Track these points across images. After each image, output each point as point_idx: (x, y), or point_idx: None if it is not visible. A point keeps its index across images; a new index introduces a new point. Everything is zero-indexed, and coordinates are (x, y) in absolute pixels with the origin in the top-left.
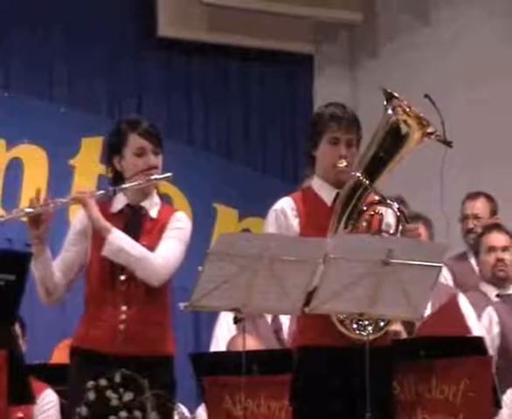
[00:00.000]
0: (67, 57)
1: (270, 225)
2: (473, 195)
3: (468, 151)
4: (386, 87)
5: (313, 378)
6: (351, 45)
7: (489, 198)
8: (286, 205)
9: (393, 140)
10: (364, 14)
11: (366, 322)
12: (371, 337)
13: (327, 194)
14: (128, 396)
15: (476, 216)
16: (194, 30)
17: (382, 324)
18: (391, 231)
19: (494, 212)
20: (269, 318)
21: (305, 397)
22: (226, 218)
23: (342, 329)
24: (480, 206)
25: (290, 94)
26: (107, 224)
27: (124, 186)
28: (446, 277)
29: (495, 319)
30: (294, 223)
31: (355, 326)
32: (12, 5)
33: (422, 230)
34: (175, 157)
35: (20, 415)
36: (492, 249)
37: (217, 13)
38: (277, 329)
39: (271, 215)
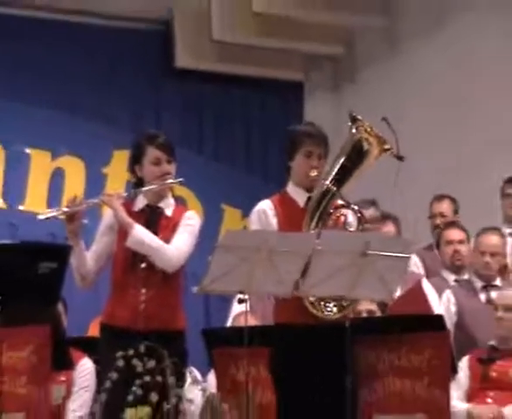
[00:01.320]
0: (100, 83)
1: (254, 223)
2: (439, 197)
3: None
4: (362, 109)
5: (285, 351)
6: (335, 74)
7: (453, 200)
8: (266, 207)
9: (357, 154)
10: (345, 48)
11: (331, 303)
12: (336, 316)
13: (300, 197)
14: (150, 364)
15: (442, 215)
16: (205, 62)
17: (345, 304)
18: (352, 229)
19: (456, 211)
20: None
21: (278, 368)
22: (232, 217)
23: (313, 310)
24: (445, 206)
25: (284, 114)
26: (131, 221)
27: (144, 189)
28: (418, 264)
29: (453, 300)
30: (273, 221)
31: (323, 307)
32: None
33: (391, 227)
34: (189, 165)
35: (63, 378)
36: (450, 242)
37: (224, 48)
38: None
39: (254, 215)
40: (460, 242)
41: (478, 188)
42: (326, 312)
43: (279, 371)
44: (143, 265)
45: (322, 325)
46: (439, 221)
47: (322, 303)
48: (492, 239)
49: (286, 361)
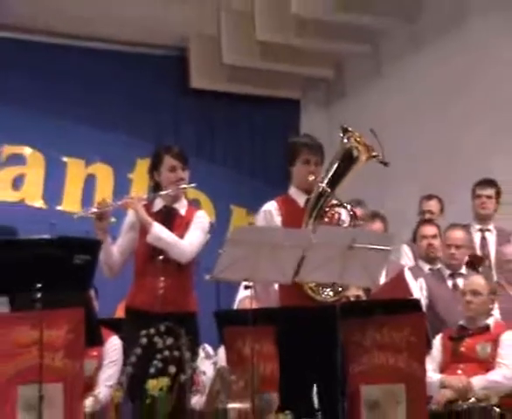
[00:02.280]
0: (127, 101)
1: (260, 221)
2: (428, 197)
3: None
4: (350, 122)
5: (288, 329)
6: (327, 93)
7: (439, 199)
8: (271, 207)
9: (347, 160)
10: (335, 71)
11: (328, 289)
12: (331, 299)
13: (300, 198)
14: (169, 341)
15: (430, 212)
16: (216, 83)
17: (340, 289)
18: (345, 225)
19: (442, 209)
20: (276, 286)
21: (282, 343)
22: (238, 215)
23: (312, 294)
24: (433, 204)
25: (284, 127)
26: (150, 220)
27: (161, 193)
28: (409, 255)
29: (424, 286)
30: (277, 219)
31: (321, 291)
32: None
33: (380, 224)
34: (202, 172)
35: (94, 353)
36: (425, 237)
37: (232, 70)
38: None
39: (260, 214)
40: (434, 236)
41: (454, 189)
42: (323, 296)
43: (282, 345)
44: (161, 257)
45: (318, 307)
46: (427, 217)
47: (320, 288)
48: (457, 234)
49: (288, 338)
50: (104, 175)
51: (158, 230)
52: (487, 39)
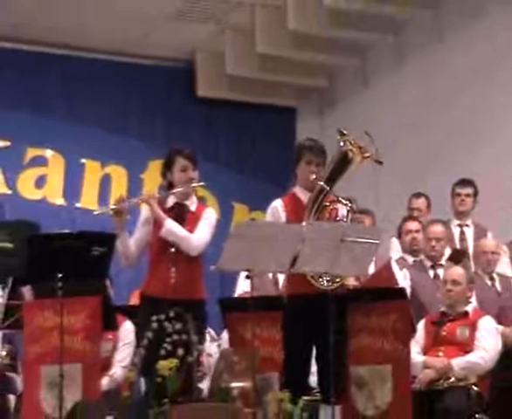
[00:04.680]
0: (140, 109)
1: (269, 217)
2: (417, 195)
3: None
4: (341, 128)
5: (294, 313)
6: (320, 102)
7: (427, 197)
8: (277, 204)
9: (344, 161)
10: (328, 82)
11: (328, 277)
12: (330, 287)
13: (304, 196)
14: (178, 326)
15: (418, 209)
16: (220, 92)
17: (338, 280)
18: (344, 220)
19: (429, 206)
20: (271, 275)
21: (289, 326)
22: (240, 211)
23: (313, 282)
24: (421, 202)
25: (281, 132)
26: (164, 215)
27: (173, 191)
28: (398, 248)
29: (408, 276)
30: (282, 215)
31: (321, 280)
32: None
33: (368, 219)
34: (208, 172)
35: (110, 337)
36: (409, 231)
37: (235, 81)
38: (275, 282)
39: (269, 210)
40: (417, 231)
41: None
42: (321, 284)
43: (284, 330)
44: (172, 250)
45: (315, 295)
46: (415, 214)
47: (320, 278)
48: (436, 228)
49: (292, 321)
50: (118, 175)
51: (171, 226)
52: (466, 63)
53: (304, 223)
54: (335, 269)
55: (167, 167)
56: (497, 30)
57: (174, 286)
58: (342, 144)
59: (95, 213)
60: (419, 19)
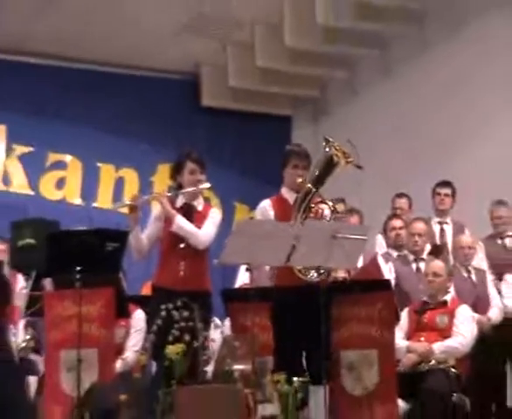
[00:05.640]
0: (149, 117)
1: (258, 215)
2: (399, 195)
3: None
4: (332, 134)
5: (281, 304)
6: (313, 111)
7: (409, 197)
8: (266, 204)
9: (329, 165)
10: (321, 92)
11: (313, 271)
12: (316, 279)
13: (290, 197)
14: (184, 314)
15: (401, 208)
16: (223, 102)
17: (323, 272)
18: (327, 219)
19: (410, 206)
20: (267, 268)
21: (277, 316)
22: (241, 211)
23: (300, 275)
24: (403, 201)
25: (279, 138)
26: (175, 212)
27: (182, 191)
28: (383, 244)
29: (393, 269)
30: (271, 214)
31: (307, 273)
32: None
33: (356, 218)
34: (211, 175)
35: (123, 324)
36: (393, 228)
37: (236, 92)
38: (272, 275)
39: (258, 209)
40: (400, 228)
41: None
42: (309, 277)
43: (276, 318)
44: (182, 246)
45: (305, 286)
46: (399, 212)
47: (306, 270)
48: (418, 225)
49: (281, 312)
50: (131, 177)
51: (181, 222)
52: (447, 75)
53: (292, 222)
54: (328, 263)
55: (177, 169)
56: (476, 42)
57: (183, 279)
58: (327, 150)
59: (113, 207)
60: (404, 35)
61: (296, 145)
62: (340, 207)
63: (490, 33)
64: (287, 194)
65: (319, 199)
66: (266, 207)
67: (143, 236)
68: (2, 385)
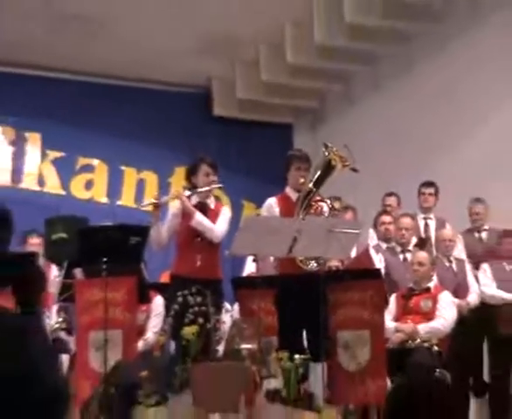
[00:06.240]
0: (167, 126)
1: (264, 212)
2: (389, 194)
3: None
4: (330, 141)
5: (285, 290)
6: (312, 119)
7: (397, 196)
8: (272, 201)
9: (327, 168)
10: (319, 103)
11: (313, 261)
12: (316, 269)
13: (293, 195)
14: (198, 299)
15: (390, 206)
16: (232, 111)
17: (322, 262)
18: (326, 215)
19: (399, 203)
20: (272, 259)
21: (280, 301)
22: (248, 208)
23: (302, 265)
24: (392, 199)
25: (281, 144)
26: (193, 209)
27: (198, 191)
28: (373, 237)
29: (383, 259)
30: (276, 210)
31: (308, 263)
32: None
33: (351, 214)
34: (222, 176)
35: (144, 308)
36: (383, 223)
37: (243, 103)
38: (276, 265)
39: (264, 206)
40: (389, 223)
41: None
42: (309, 266)
43: (280, 303)
44: (198, 239)
45: (306, 275)
46: (388, 209)
47: (307, 261)
48: (406, 220)
49: (284, 297)
50: (151, 179)
51: (200, 218)
52: (430, 89)
53: (295, 217)
54: (326, 253)
55: (192, 171)
56: (456, 62)
57: (199, 268)
58: (326, 154)
59: (141, 206)
60: (392, 53)
61: (298, 150)
62: (336, 204)
63: (468, 54)
64: (291, 193)
65: (318, 198)
66: (272, 204)
67: (163, 229)
68: (38, 364)
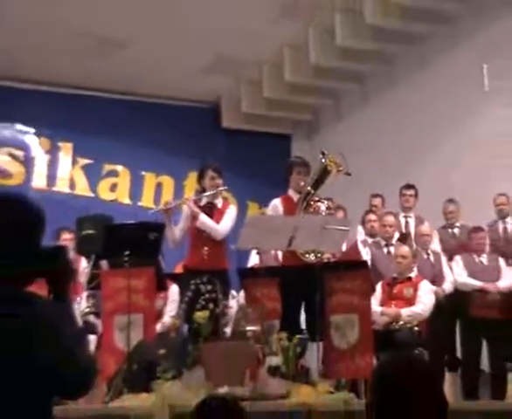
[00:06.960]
0: (180, 137)
1: (269, 211)
2: (375, 195)
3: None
4: (323, 150)
5: (287, 279)
6: (308, 130)
7: (382, 197)
8: (277, 202)
9: (324, 173)
10: (313, 116)
11: (312, 253)
12: (314, 260)
13: (295, 196)
14: (208, 287)
15: (375, 206)
16: (238, 124)
17: (319, 254)
18: (323, 214)
19: (383, 203)
20: (273, 252)
21: (283, 289)
22: (252, 208)
23: (302, 257)
24: (378, 200)
25: (280, 152)
26: (198, 211)
27: (205, 194)
28: (362, 232)
29: (369, 252)
30: (280, 209)
31: (306, 255)
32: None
33: (342, 213)
34: (228, 179)
35: (162, 295)
36: (369, 221)
37: (248, 116)
38: (276, 257)
39: (270, 206)
40: (375, 221)
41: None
42: (308, 258)
43: (282, 291)
44: (205, 234)
45: (305, 266)
46: (374, 209)
47: (306, 253)
48: (389, 218)
49: (286, 286)
50: (168, 182)
51: (204, 219)
52: (413, 103)
53: (296, 216)
54: (320, 247)
55: (200, 177)
56: (437, 79)
57: (207, 260)
58: (323, 160)
59: (151, 212)
60: (377, 73)
61: (298, 157)
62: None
63: (445, 72)
64: (293, 194)
65: (317, 198)
66: (276, 204)
67: (176, 230)
68: (72, 348)
